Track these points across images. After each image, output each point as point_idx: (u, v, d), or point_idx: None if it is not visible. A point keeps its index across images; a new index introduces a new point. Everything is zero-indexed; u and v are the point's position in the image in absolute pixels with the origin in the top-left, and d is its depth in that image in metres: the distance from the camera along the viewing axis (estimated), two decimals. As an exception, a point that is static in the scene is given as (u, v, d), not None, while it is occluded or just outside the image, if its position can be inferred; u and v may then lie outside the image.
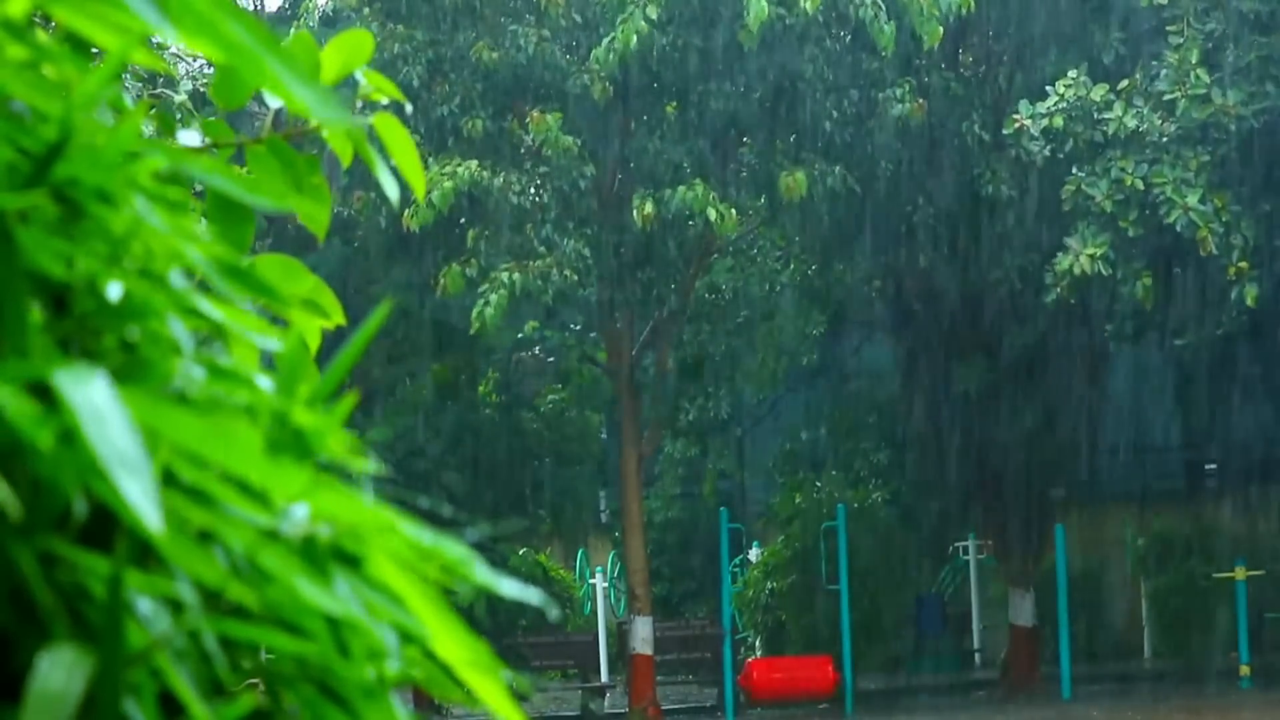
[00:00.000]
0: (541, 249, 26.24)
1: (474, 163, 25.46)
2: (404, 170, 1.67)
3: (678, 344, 29.99)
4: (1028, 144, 25.89)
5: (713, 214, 25.20)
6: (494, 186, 25.54)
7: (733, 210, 25.66)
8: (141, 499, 0.97)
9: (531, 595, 1.17)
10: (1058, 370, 30.80)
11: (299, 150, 1.79)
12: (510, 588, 1.15)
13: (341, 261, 28.12)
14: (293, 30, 26.01)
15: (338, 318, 1.62)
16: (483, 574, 1.12)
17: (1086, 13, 27.71)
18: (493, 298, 25.19)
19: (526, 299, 26.19)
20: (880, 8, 25.11)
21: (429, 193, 24.79)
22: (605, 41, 25.13)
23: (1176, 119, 25.14)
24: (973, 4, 25.51)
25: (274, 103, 1.60)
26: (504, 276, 25.44)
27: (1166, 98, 25.24)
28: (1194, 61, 25.11)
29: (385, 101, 1.69)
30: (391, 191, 1.58)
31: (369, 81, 1.41)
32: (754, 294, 30.04)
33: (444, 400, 30.05)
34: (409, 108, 1.63)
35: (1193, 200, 24.82)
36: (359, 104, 1.66)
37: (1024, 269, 27.91)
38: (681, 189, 25.54)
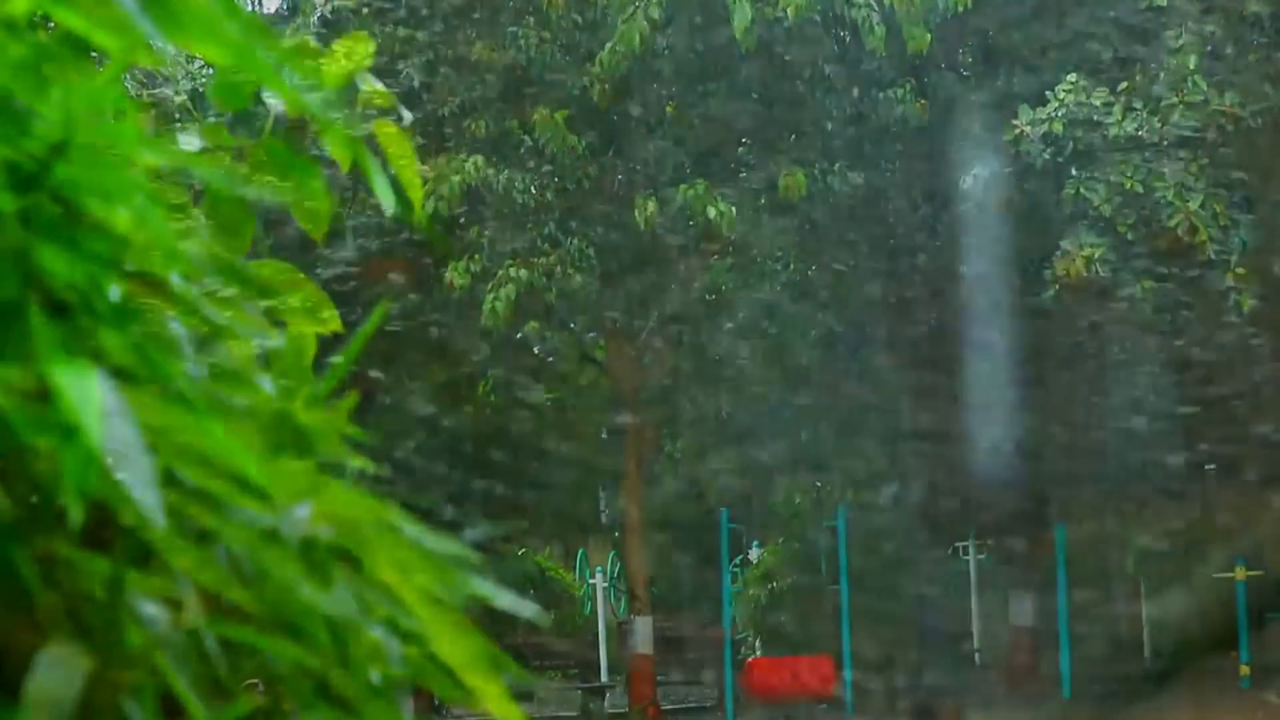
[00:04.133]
0: (545, 247, 26.23)
1: (479, 158, 25.46)
2: (402, 179, 1.66)
3: (678, 344, 29.96)
4: (1028, 148, 25.86)
5: (713, 212, 25.18)
6: (498, 183, 25.55)
7: (733, 208, 25.61)
8: (144, 492, 0.97)
9: (527, 608, 1.17)
10: (1058, 371, 30.78)
11: (298, 154, 1.78)
12: (505, 599, 1.14)
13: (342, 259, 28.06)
14: (290, 31, 26.00)
15: (334, 325, 1.60)
16: (479, 584, 1.12)
17: (1087, 13, 27.67)
18: (502, 292, 25.20)
19: (530, 295, 26.19)
20: (872, 9, 25.09)
21: (438, 189, 24.78)
22: (608, 46, 25.13)
23: (1174, 123, 25.11)
24: (969, 2, 25.49)
25: (275, 105, 1.59)
26: (511, 272, 25.45)
27: (1164, 104, 25.21)
28: (1191, 67, 25.06)
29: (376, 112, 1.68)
30: (387, 202, 1.57)
31: (366, 89, 1.39)
32: (754, 294, 29.96)
33: (443, 399, 30.00)
34: (407, 117, 1.61)
35: (1194, 205, 24.81)
36: (359, 110, 1.65)
37: (1025, 269, 27.89)
38: (683, 187, 25.53)
